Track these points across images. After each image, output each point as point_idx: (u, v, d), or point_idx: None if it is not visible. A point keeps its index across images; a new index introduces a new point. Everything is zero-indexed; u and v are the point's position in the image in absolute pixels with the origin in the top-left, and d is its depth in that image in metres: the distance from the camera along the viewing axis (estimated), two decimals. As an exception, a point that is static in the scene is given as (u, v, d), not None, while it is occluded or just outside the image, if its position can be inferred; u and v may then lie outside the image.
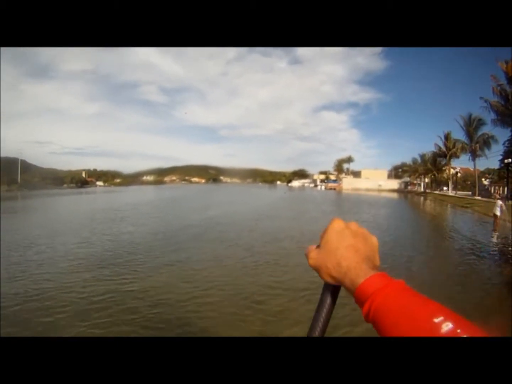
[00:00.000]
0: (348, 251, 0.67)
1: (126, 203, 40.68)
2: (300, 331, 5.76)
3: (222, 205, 37.42)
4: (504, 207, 21.68)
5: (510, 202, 30.19)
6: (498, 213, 21.03)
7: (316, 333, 0.73)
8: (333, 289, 0.72)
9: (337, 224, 0.73)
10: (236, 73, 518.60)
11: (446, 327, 0.49)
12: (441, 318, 0.50)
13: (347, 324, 6.18)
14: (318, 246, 0.74)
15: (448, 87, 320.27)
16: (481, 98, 32.79)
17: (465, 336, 0.42)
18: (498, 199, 23.18)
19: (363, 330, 6.47)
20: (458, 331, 0.48)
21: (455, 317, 0.50)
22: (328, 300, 0.73)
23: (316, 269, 0.71)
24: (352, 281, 0.62)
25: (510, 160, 38.47)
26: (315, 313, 0.74)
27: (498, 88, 30.81)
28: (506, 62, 29.83)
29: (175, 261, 11.08)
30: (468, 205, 37.98)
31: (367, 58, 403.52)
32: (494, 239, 17.61)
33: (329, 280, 0.69)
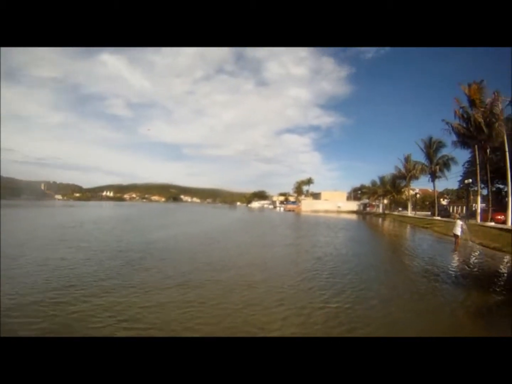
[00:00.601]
0: None
1: (75, 220, 37.79)
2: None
3: (175, 226, 35.10)
4: (465, 227, 21.80)
5: (469, 221, 30.46)
6: (458, 233, 21.02)
7: None
8: None
9: None
10: (203, 93, 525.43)
11: None
12: None
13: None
14: None
15: (409, 111, 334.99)
16: (443, 120, 33.61)
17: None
18: (458, 219, 23.23)
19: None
20: None
21: None
22: None
23: None
24: None
25: (470, 180, 39.39)
26: None
27: (461, 110, 31.43)
28: (469, 85, 30.55)
29: (81, 307, 7.97)
30: (428, 226, 38.87)
31: (332, 83, 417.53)
32: (456, 260, 17.52)
33: None
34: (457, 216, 42.56)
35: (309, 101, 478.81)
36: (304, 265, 14.52)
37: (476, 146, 33.14)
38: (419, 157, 62.33)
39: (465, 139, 33.02)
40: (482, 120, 28.81)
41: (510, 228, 25.82)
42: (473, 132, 30.38)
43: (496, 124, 27.93)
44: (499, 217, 32.38)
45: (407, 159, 63.12)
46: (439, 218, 45.89)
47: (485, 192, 40.15)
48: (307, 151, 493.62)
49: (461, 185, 57.29)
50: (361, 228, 43.80)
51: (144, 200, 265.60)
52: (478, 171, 34.23)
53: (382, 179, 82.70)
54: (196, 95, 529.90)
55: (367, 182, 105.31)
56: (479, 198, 34.69)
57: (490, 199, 33.01)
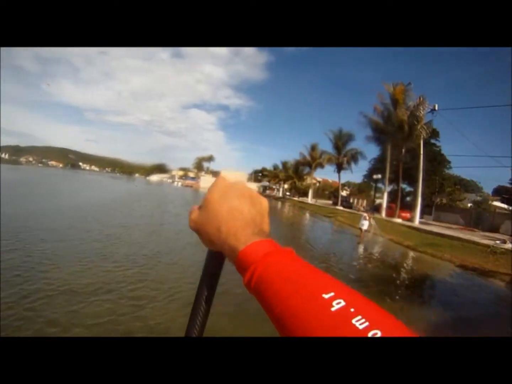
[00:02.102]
0: (230, 214, 0.59)
1: None
2: None
3: (47, 197, 26.69)
4: (373, 222, 22.02)
5: (376, 215, 31.46)
6: (364, 227, 20.99)
7: (200, 310, 0.68)
8: (216, 256, 0.65)
9: (221, 182, 0.63)
10: (115, 55, 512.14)
11: (338, 305, 0.42)
12: (331, 294, 0.44)
13: None
14: (200, 207, 0.64)
15: (320, 105, 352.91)
16: (360, 113, 33.79)
17: (353, 310, 0.39)
18: (364, 211, 23.38)
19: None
20: (352, 310, 0.42)
21: (348, 294, 0.44)
22: (211, 268, 0.67)
23: (196, 232, 0.63)
24: (232, 248, 0.55)
25: (380, 176, 40.82)
26: (199, 284, 0.68)
27: (381, 107, 31.93)
28: (394, 85, 31.13)
29: None
30: (331, 215, 39.24)
31: (248, 66, 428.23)
32: (361, 253, 17.19)
33: (210, 246, 0.63)
34: (362, 209, 44.31)
35: (222, 80, 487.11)
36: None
37: (390, 144, 34.19)
38: (326, 147, 64.34)
39: (380, 135, 33.79)
40: (406, 119, 29.66)
41: (417, 226, 27.05)
42: (392, 130, 31.10)
43: (418, 126, 28.80)
44: (404, 214, 34.06)
45: (313, 148, 64.56)
46: (341, 208, 47.46)
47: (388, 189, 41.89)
48: (212, 130, 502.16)
49: (365, 180, 60.06)
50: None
51: (41, 165, 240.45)
52: (388, 168, 35.49)
53: (284, 164, 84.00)
54: (108, 56, 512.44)
55: (269, 166, 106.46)
56: (386, 194, 36.17)
57: (400, 196, 34.40)
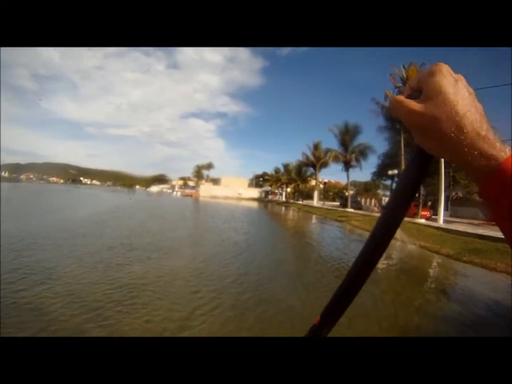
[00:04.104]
0: (474, 110, 0.45)
1: None
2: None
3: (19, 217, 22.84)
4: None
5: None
6: None
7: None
8: (423, 159, 0.51)
9: (447, 71, 0.48)
10: (112, 69, 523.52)
11: None
12: None
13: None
14: (413, 96, 0.50)
15: (319, 106, 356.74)
16: (372, 99, 29.78)
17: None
18: (378, 212, 19.28)
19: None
20: None
21: None
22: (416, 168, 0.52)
23: (418, 130, 0.48)
24: (487, 155, 0.43)
25: (396, 171, 36.88)
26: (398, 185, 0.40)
27: (396, 92, 28.27)
28: (405, 66, 27.46)
29: None
30: (342, 219, 35.39)
31: (244, 73, 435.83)
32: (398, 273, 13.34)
33: (438, 149, 0.48)
34: (376, 210, 40.24)
35: (218, 88, 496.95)
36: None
37: (405, 134, 30.73)
38: (331, 145, 61.02)
39: (394, 124, 29.87)
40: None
41: (445, 227, 23.19)
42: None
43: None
44: (424, 213, 30.22)
45: (316, 146, 60.89)
46: (351, 210, 43.41)
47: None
48: (212, 137, 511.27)
49: (374, 177, 56.25)
50: (267, 223, 35.74)
51: (42, 181, 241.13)
52: (403, 161, 31.84)
53: (286, 166, 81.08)
54: (105, 71, 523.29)
55: (270, 170, 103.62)
56: (404, 191, 32.09)
57: (421, 194, 30.56)
